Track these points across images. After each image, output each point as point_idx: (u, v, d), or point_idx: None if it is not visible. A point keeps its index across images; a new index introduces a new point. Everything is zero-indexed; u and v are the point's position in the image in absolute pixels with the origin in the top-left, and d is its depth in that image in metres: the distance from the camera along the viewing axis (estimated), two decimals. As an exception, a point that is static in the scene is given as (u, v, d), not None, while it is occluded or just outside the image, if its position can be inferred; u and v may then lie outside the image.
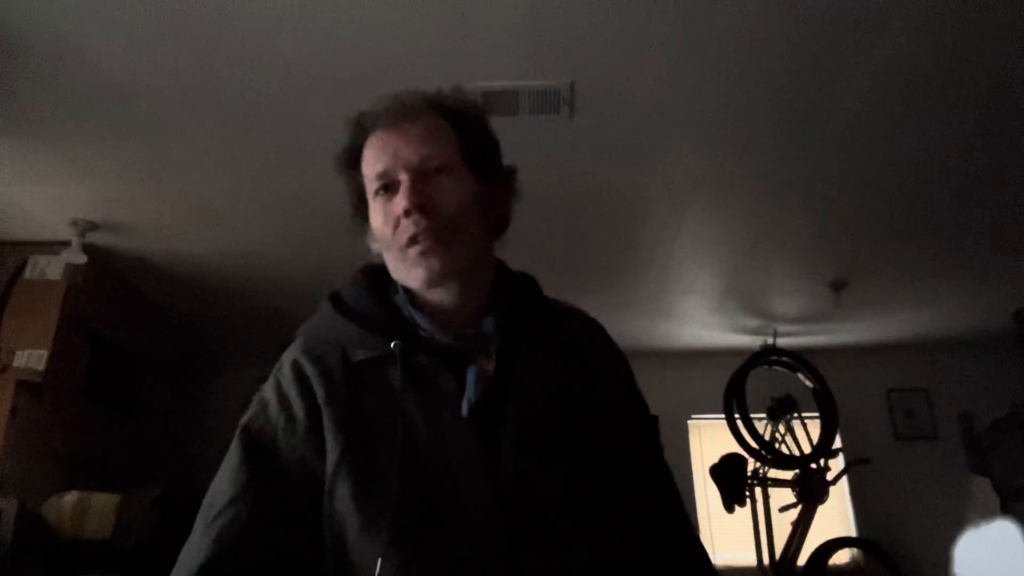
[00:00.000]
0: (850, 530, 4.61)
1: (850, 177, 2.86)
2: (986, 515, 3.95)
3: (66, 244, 3.05)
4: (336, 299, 0.94)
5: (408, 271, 0.87)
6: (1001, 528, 3.78)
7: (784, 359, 4.34)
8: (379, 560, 0.77)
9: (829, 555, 4.00)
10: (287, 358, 0.91)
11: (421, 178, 0.85)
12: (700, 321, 4.43)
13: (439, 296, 0.89)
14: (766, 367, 4.32)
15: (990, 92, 2.34)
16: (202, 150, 2.61)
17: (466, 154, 0.89)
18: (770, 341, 4.46)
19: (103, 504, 2.83)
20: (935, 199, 3.02)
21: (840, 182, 2.89)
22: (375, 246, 0.92)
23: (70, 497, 2.82)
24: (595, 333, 1.01)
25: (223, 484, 0.84)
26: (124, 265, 3.47)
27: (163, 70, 2.20)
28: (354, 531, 0.80)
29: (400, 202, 0.84)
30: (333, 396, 0.85)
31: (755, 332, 4.54)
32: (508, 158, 0.96)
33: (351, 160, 0.92)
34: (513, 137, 2.68)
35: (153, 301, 3.88)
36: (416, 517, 0.79)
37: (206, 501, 0.84)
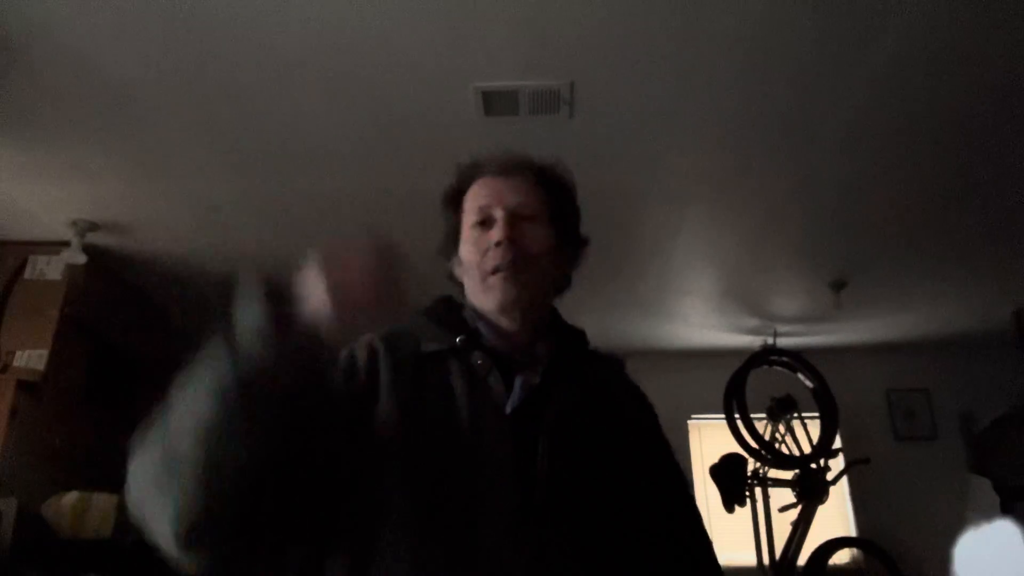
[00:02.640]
0: (850, 530, 4.60)
1: (850, 177, 2.86)
2: (986, 515, 3.95)
3: (66, 244, 3.05)
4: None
5: (485, 293, 1.01)
6: (1001, 528, 3.78)
7: (784, 359, 4.33)
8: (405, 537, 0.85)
9: (829, 555, 3.99)
10: (365, 337, 1.02)
11: (514, 219, 1.02)
12: (700, 321, 4.43)
13: (503, 322, 1.02)
14: (766, 367, 4.31)
15: (990, 93, 2.34)
16: (202, 150, 2.61)
17: (552, 215, 1.07)
18: (770, 341, 4.46)
19: (103, 504, 2.82)
20: (935, 199, 3.02)
21: (840, 182, 2.89)
22: (458, 271, 1.08)
23: (70, 497, 2.82)
24: (630, 386, 1.13)
25: None
26: (124, 265, 3.47)
27: (163, 70, 2.20)
28: (388, 501, 0.87)
29: (494, 234, 1.00)
30: (397, 381, 0.96)
31: (755, 332, 4.54)
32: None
33: (453, 202, 1.09)
34: (513, 137, 2.69)
35: (153, 301, 3.87)
36: (446, 499, 0.88)
37: None
